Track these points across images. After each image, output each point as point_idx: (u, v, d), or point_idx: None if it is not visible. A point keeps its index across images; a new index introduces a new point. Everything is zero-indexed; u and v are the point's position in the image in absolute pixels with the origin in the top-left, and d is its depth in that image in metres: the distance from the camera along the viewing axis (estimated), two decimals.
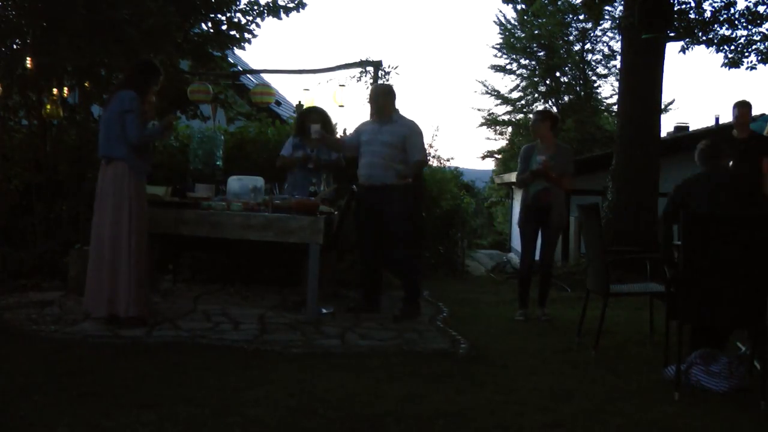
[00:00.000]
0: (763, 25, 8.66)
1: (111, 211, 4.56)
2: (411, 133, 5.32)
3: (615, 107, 16.78)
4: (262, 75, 10.14)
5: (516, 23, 24.93)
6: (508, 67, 25.58)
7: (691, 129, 15.64)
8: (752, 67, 8.85)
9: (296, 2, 7.69)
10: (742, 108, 6.12)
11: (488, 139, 50.45)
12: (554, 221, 5.61)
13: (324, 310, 5.29)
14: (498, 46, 25.37)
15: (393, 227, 5.27)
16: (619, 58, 11.74)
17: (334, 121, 6.58)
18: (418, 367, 3.85)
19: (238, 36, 7.67)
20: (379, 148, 5.26)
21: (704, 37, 8.78)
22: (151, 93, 4.86)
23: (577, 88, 25.01)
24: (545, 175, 5.51)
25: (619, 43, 9.60)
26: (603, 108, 24.71)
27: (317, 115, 5.96)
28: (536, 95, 25.73)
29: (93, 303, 4.63)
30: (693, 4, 8.86)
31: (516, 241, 12.53)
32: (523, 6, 22.93)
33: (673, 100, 25.86)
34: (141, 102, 4.66)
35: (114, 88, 4.92)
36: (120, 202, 4.55)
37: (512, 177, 13.46)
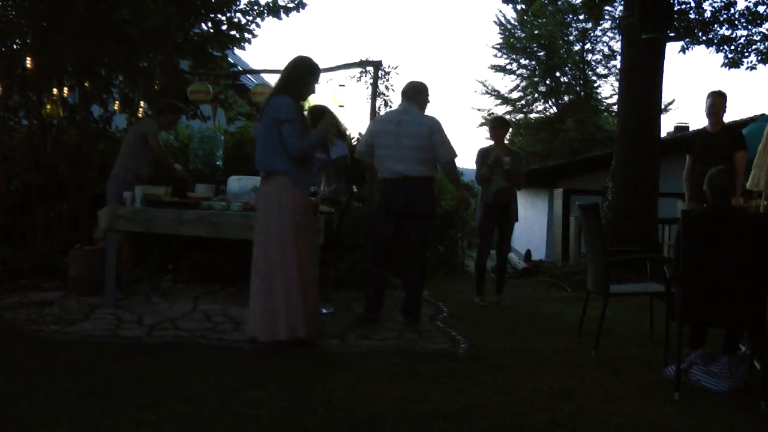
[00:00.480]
0: (763, 25, 8.65)
1: (275, 226, 4.18)
2: None
3: (615, 107, 16.77)
4: (262, 75, 10.14)
5: (516, 23, 24.90)
6: (508, 67, 25.57)
7: (691, 129, 15.64)
8: (752, 67, 8.85)
9: (296, 2, 7.70)
10: (716, 98, 5.75)
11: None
12: (512, 217, 6.30)
13: (324, 310, 5.29)
14: (498, 46, 25.38)
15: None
16: (619, 58, 11.74)
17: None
18: (418, 367, 3.85)
19: (238, 36, 7.68)
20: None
21: (704, 37, 8.77)
22: (306, 94, 4.44)
23: (577, 88, 24.99)
24: (512, 173, 6.16)
25: (619, 43, 9.59)
26: (603, 108, 24.69)
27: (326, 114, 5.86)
28: (536, 95, 25.71)
29: (261, 326, 4.17)
30: (693, 4, 8.86)
31: (516, 241, 12.55)
32: (523, 6, 22.87)
33: (673, 100, 25.89)
34: (298, 107, 4.24)
35: (269, 94, 4.44)
36: (282, 215, 4.17)
37: None
